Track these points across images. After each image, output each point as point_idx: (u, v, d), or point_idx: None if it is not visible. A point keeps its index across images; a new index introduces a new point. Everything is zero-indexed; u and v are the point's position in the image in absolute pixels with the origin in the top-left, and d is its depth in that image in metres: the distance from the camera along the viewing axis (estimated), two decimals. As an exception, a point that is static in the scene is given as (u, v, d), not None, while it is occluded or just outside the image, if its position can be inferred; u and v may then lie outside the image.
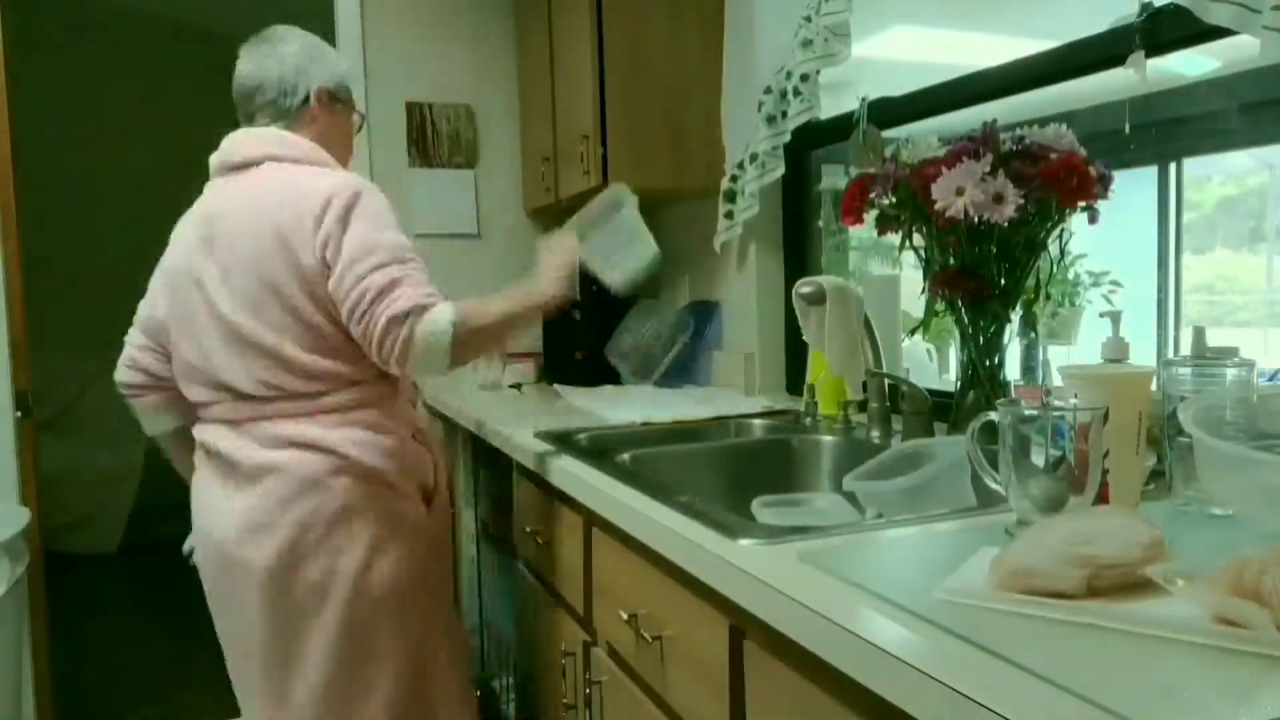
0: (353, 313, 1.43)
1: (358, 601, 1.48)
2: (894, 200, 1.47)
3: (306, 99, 1.61)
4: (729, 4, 2.27)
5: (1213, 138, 4.10)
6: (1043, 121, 1.40)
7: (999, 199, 1.31)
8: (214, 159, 1.61)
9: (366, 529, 1.49)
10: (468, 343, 1.44)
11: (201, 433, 1.57)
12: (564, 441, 1.70)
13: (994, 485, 1.04)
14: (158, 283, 1.64)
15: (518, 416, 2.06)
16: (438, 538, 1.64)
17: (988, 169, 1.32)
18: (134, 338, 1.69)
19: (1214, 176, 4.46)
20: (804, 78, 1.97)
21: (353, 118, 1.71)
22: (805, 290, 1.64)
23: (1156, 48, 1.36)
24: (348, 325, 1.45)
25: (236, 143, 1.60)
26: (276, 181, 1.51)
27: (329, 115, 1.64)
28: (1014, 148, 1.36)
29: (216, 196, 1.57)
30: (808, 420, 1.85)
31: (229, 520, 1.50)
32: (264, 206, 1.48)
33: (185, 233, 1.59)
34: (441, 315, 1.42)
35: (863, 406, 1.70)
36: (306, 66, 1.61)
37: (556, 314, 1.64)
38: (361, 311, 1.42)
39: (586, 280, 2.66)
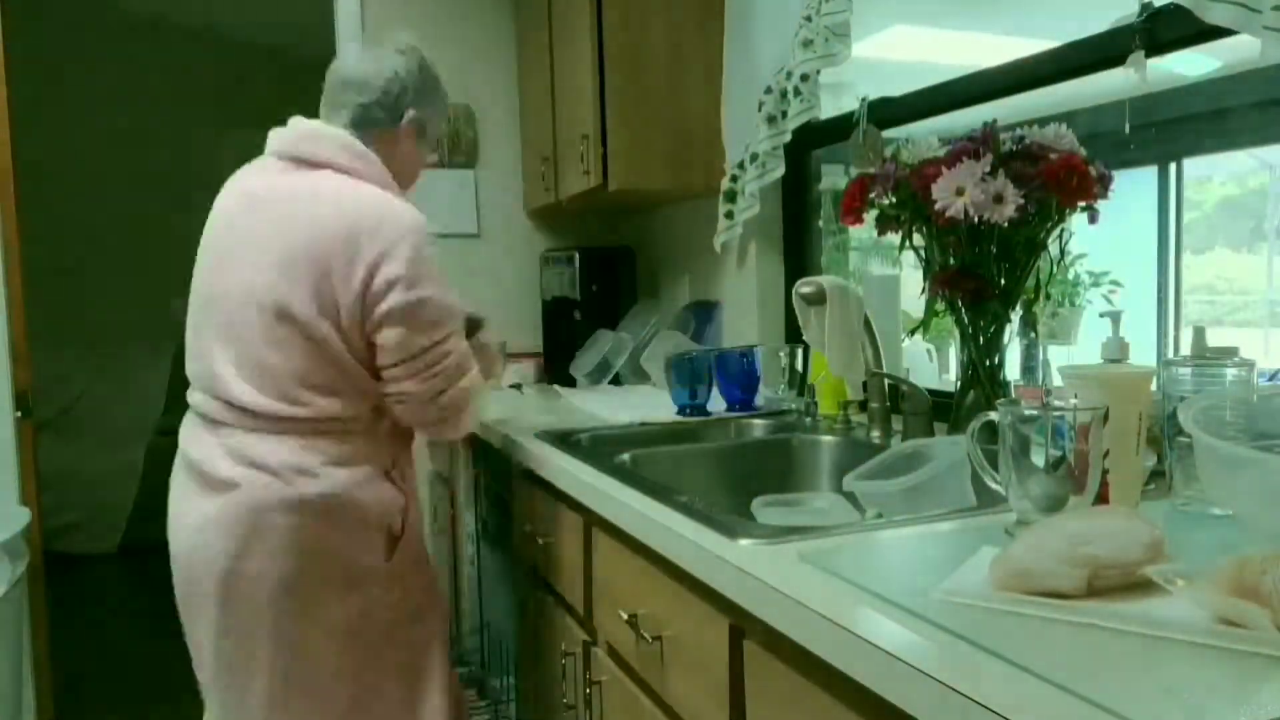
0: (414, 367, 1.45)
1: (282, 635, 1.45)
2: (894, 200, 1.47)
3: (400, 118, 1.56)
4: (729, 4, 2.27)
5: (1213, 138, 4.11)
6: (1043, 121, 1.40)
7: (999, 199, 1.31)
8: (275, 139, 1.54)
9: (305, 572, 1.44)
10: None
11: (183, 428, 1.56)
12: (564, 441, 1.70)
13: (994, 485, 1.04)
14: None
15: (518, 416, 2.06)
16: (399, 584, 1.54)
17: (988, 169, 1.32)
18: None
19: (1214, 176, 4.46)
20: (804, 78, 1.97)
21: (429, 158, 1.68)
22: (805, 290, 1.64)
23: (1156, 48, 1.36)
24: (390, 369, 1.45)
25: (304, 134, 1.53)
26: (336, 194, 1.46)
27: (411, 144, 1.60)
28: (1014, 148, 1.36)
29: (265, 184, 1.51)
30: (808, 420, 1.85)
31: (189, 521, 1.49)
32: (315, 217, 1.43)
33: (227, 204, 1.54)
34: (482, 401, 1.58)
35: (863, 406, 1.70)
36: (420, 88, 1.58)
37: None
38: (433, 373, 1.46)
39: (587, 280, 2.68)
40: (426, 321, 1.45)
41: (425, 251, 1.45)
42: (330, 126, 1.54)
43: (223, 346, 1.47)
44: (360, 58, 1.58)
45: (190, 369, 1.54)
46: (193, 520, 1.48)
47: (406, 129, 1.57)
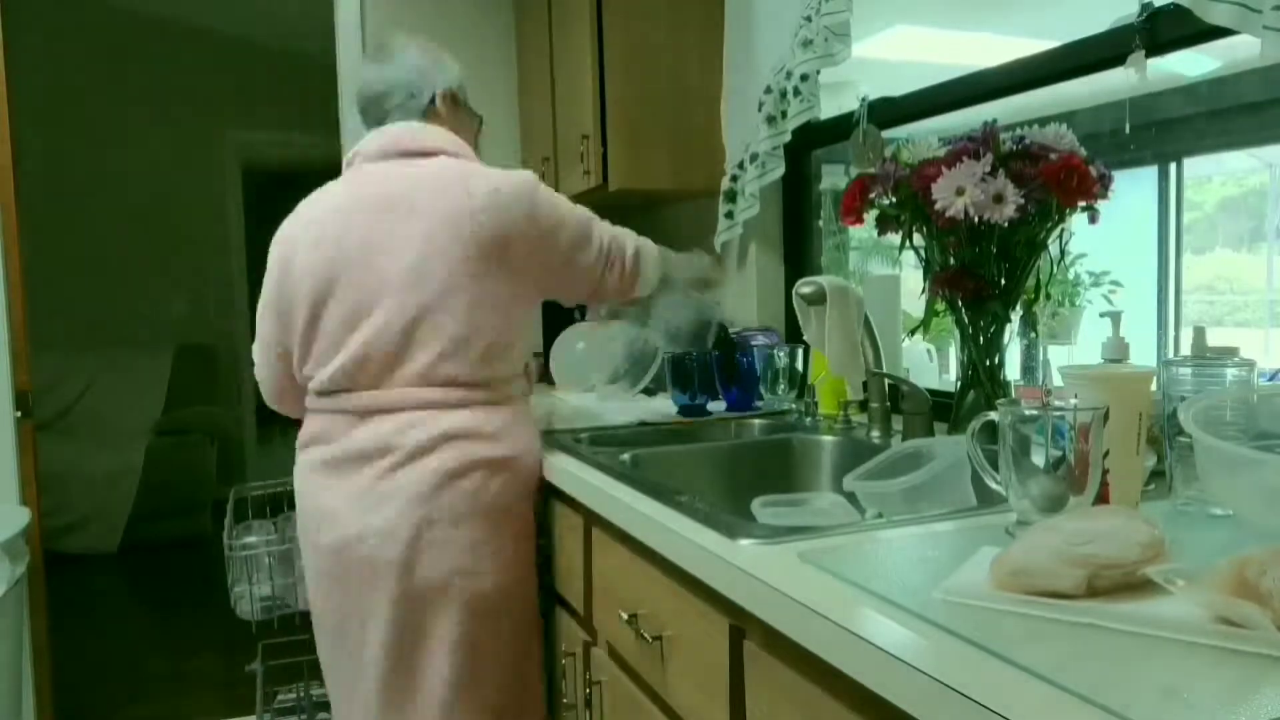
0: (609, 261, 1.72)
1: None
2: (894, 200, 1.47)
3: (433, 100, 1.70)
4: (729, 4, 2.27)
5: (1213, 138, 4.10)
6: (1043, 121, 1.40)
7: (999, 199, 1.31)
8: (370, 147, 1.64)
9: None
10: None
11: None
12: (564, 441, 1.70)
13: (994, 485, 1.04)
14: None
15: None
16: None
17: (988, 169, 1.32)
18: None
19: (1214, 176, 4.46)
20: (804, 78, 1.97)
21: (474, 121, 1.82)
22: (805, 290, 1.64)
23: (1156, 48, 1.36)
24: (601, 273, 1.70)
25: (400, 133, 1.64)
26: (459, 170, 1.61)
27: (454, 116, 1.74)
28: (1014, 148, 1.36)
29: (388, 178, 1.60)
30: (808, 420, 1.85)
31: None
32: (454, 192, 1.55)
33: (336, 216, 1.60)
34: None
35: (863, 406, 1.70)
36: (429, 70, 1.72)
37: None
38: (616, 256, 1.73)
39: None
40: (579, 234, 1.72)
41: (544, 191, 1.68)
42: (416, 123, 1.67)
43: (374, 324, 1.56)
44: (371, 74, 1.73)
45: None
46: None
47: (442, 104, 1.72)
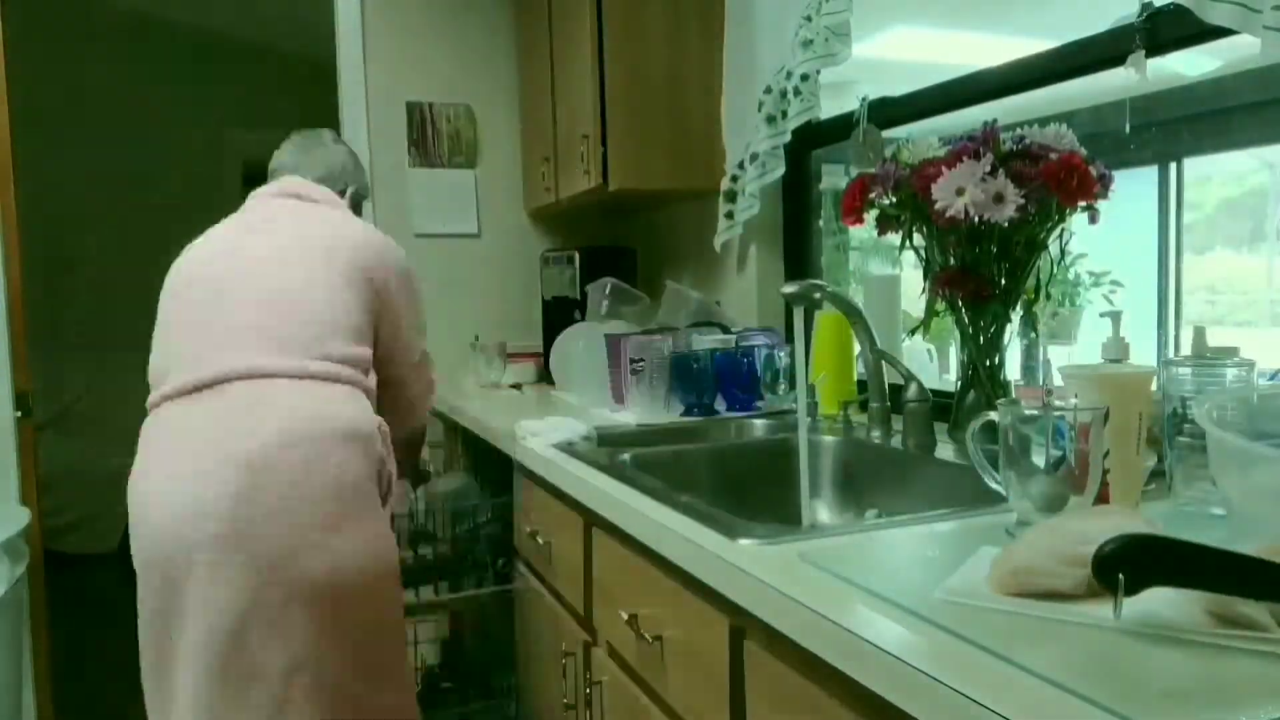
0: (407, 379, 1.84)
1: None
2: (894, 200, 1.47)
3: (343, 193, 1.89)
4: (729, 4, 2.27)
5: (1213, 138, 4.10)
6: (1043, 121, 1.40)
7: (999, 199, 1.31)
8: (262, 190, 1.84)
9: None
10: None
11: None
12: (564, 441, 1.70)
13: (994, 485, 1.04)
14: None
15: (518, 416, 2.06)
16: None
17: (988, 169, 1.32)
18: None
19: (1214, 176, 4.46)
20: (804, 78, 1.96)
21: None
22: (788, 290, 1.60)
23: (1156, 48, 1.36)
24: (396, 372, 1.79)
25: (298, 182, 1.83)
26: (338, 216, 1.79)
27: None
28: (1014, 148, 1.36)
29: (269, 209, 1.78)
30: (808, 420, 1.84)
31: None
32: (339, 229, 1.73)
33: (227, 234, 1.78)
34: None
35: (863, 406, 1.70)
36: (352, 170, 1.94)
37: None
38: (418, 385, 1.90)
39: (587, 280, 2.68)
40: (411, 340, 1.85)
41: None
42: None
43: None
44: (293, 153, 1.91)
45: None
46: None
47: (349, 201, 1.90)
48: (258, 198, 1.83)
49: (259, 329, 1.54)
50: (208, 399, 1.50)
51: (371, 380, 1.65)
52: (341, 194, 1.88)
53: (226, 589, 1.41)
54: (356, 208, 1.93)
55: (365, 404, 1.59)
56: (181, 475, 1.45)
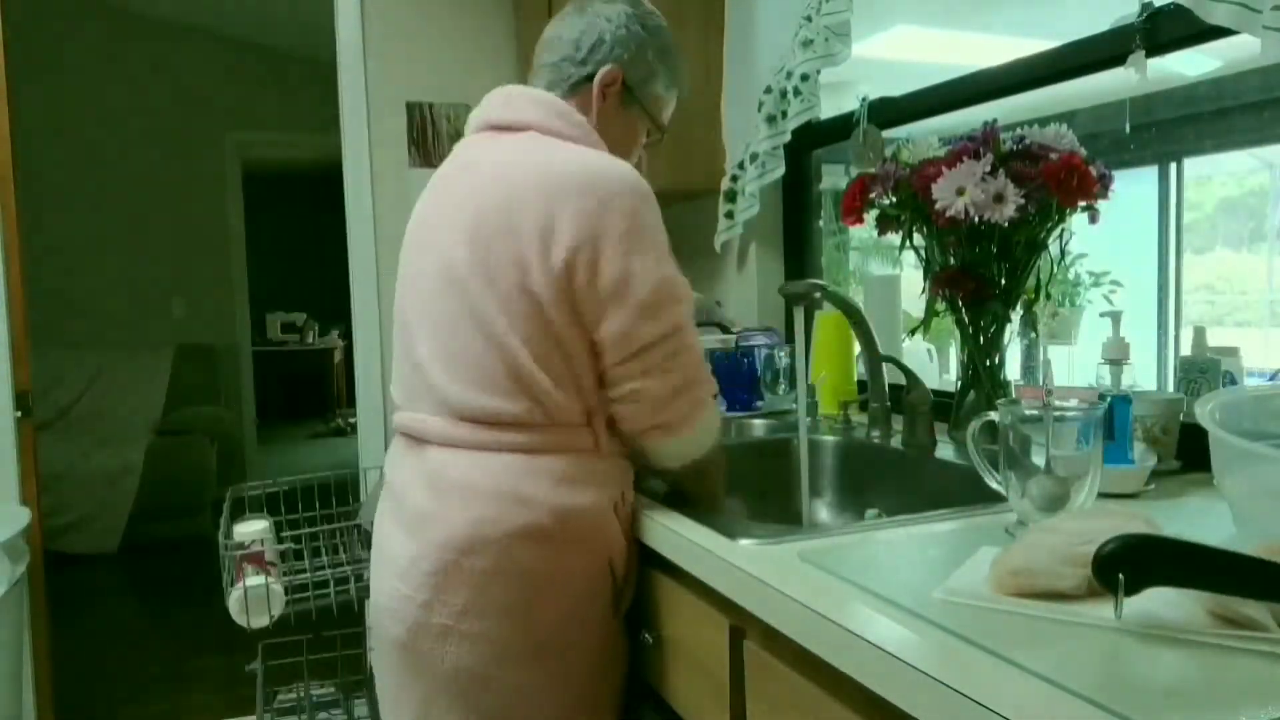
0: (640, 356, 1.17)
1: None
2: (894, 200, 1.47)
3: (590, 77, 1.32)
4: (729, 4, 2.27)
5: (1213, 138, 4.10)
6: (1043, 121, 1.40)
7: (999, 199, 1.31)
8: (474, 112, 1.36)
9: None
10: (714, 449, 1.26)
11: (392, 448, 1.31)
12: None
13: (994, 485, 1.04)
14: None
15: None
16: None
17: (988, 169, 1.32)
18: None
19: (1214, 176, 4.46)
20: (804, 77, 1.96)
21: (645, 129, 1.41)
22: (789, 290, 1.60)
23: (1156, 48, 1.36)
24: (615, 357, 1.17)
25: (500, 99, 1.34)
26: (536, 152, 1.22)
27: (615, 109, 1.35)
28: (1014, 148, 1.36)
29: (466, 157, 1.31)
30: (808, 420, 1.84)
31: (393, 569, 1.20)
32: (513, 180, 1.19)
33: (427, 192, 1.35)
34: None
35: (863, 406, 1.70)
36: (622, 41, 1.34)
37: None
38: (661, 361, 1.17)
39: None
40: (650, 302, 1.17)
41: (646, 219, 1.21)
42: (528, 88, 1.35)
43: (435, 341, 1.22)
44: (560, 17, 1.38)
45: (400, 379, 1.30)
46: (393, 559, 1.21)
47: (598, 87, 1.33)
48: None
49: None
50: None
51: None
52: (590, 79, 1.33)
53: None
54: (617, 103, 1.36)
55: None
56: None
